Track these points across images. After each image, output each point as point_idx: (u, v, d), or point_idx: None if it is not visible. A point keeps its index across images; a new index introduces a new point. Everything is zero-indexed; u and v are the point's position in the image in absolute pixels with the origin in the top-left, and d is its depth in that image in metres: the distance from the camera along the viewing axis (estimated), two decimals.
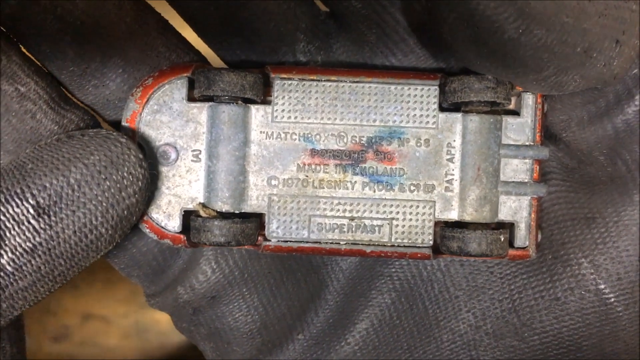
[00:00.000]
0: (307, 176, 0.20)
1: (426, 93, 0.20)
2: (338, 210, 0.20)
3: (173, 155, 0.20)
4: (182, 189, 0.20)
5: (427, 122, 0.20)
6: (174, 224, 0.20)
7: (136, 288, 0.52)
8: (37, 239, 0.17)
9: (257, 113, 0.20)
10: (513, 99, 0.20)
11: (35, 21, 0.19)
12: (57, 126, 0.20)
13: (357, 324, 0.23)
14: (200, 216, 0.20)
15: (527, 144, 0.20)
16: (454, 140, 0.20)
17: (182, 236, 0.20)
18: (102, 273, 0.50)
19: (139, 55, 0.20)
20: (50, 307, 0.48)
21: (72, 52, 0.19)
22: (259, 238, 0.20)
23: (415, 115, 0.20)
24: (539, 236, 0.21)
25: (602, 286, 0.21)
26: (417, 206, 0.20)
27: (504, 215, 0.20)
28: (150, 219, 0.20)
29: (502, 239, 0.20)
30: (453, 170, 0.20)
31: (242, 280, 0.22)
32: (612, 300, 0.21)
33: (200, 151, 0.20)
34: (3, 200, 0.17)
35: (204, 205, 0.20)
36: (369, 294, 0.22)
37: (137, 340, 0.54)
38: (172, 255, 0.22)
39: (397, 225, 0.20)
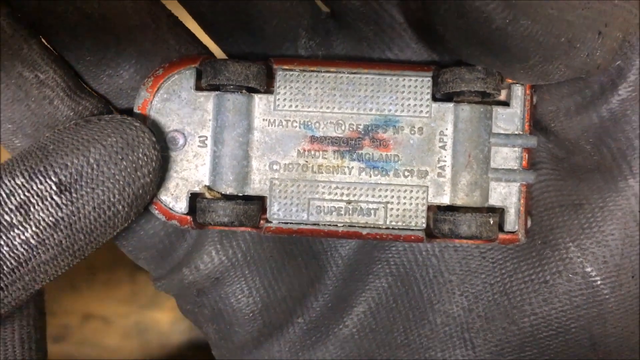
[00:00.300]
0: (306, 161, 0.22)
1: (420, 84, 0.21)
2: (336, 194, 0.22)
3: (181, 141, 0.22)
4: (189, 173, 0.22)
5: (421, 111, 0.22)
6: (181, 206, 0.22)
7: (136, 288, 0.54)
8: (60, 214, 0.19)
9: (260, 102, 0.22)
10: (504, 91, 0.22)
11: (57, 13, 0.21)
12: (72, 112, 0.21)
13: (355, 307, 0.24)
14: (206, 198, 0.21)
15: (516, 133, 0.22)
16: (446, 129, 0.22)
17: (188, 217, 0.22)
18: (102, 273, 0.51)
19: (152, 48, 0.22)
20: (50, 307, 0.49)
21: (89, 42, 0.21)
22: (261, 221, 0.22)
23: (409, 104, 0.22)
24: (529, 222, 0.22)
25: (589, 269, 0.22)
26: (411, 191, 0.22)
27: (494, 200, 0.22)
28: (159, 200, 0.22)
29: (492, 222, 0.21)
30: (445, 157, 0.22)
31: (245, 263, 0.24)
32: (599, 282, 0.22)
33: (207, 137, 0.22)
34: (27, 177, 0.19)
35: (209, 188, 0.22)
36: (366, 278, 0.24)
37: (137, 340, 0.55)
38: (178, 239, 0.24)
39: (391, 209, 0.22)
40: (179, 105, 0.22)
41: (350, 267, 0.24)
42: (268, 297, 0.24)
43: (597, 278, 0.22)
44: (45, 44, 0.22)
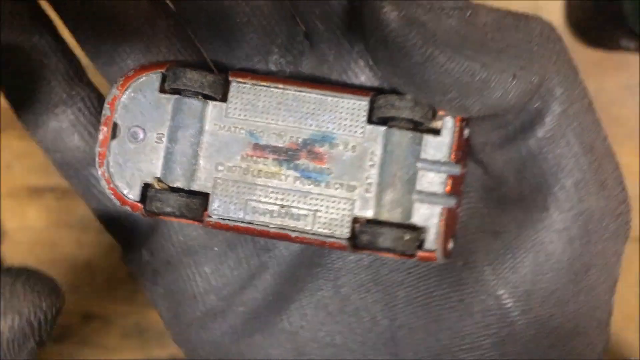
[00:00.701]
0: (248, 166, 0.25)
1: (357, 106, 0.24)
2: (271, 197, 0.24)
3: (141, 136, 0.25)
4: (144, 165, 0.25)
5: (356, 131, 0.24)
6: (134, 194, 0.25)
7: (136, 288, 0.57)
8: None
9: (213, 108, 0.25)
10: (440, 122, 0.24)
11: (66, 6, 0.26)
12: (66, 95, 0.26)
13: (291, 304, 0.27)
14: (155, 188, 0.25)
15: (443, 160, 0.24)
16: (377, 150, 0.24)
17: (139, 205, 0.25)
18: (102, 273, 0.54)
19: (144, 50, 0.26)
20: None
21: (91, 37, 0.26)
22: (204, 216, 0.25)
23: (346, 124, 0.24)
24: (451, 244, 0.25)
25: (501, 292, 0.24)
26: (339, 202, 0.24)
27: (416, 219, 0.24)
28: (116, 187, 0.25)
29: (406, 238, 0.23)
30: (373, 175, 0.24)
31: (191, 252, 0.27)
32: (509, 305, 0.24)
33: (164, 134, 0.25)
34: None
35: (159, 180, 0.25)
36: (304, 279, 0.27)
37: (137, 340, 0.57)
38: (141, 221, 0.28)
39: (320, 217, 0.24)
40: (143, 104, 0.25)
41: (291, 268, 0.27)
42: (210, 285, 0.28)
43: (508, 301, 0.24)
44: (56, 35, 0.27)
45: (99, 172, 0.25)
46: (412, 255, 0.24)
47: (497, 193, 0.25)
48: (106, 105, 0.25)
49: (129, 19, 0.26)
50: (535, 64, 0.22)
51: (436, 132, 0.25)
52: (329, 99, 0.25)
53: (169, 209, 0.24)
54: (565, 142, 0.23)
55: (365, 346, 0.26)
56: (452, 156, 0.24)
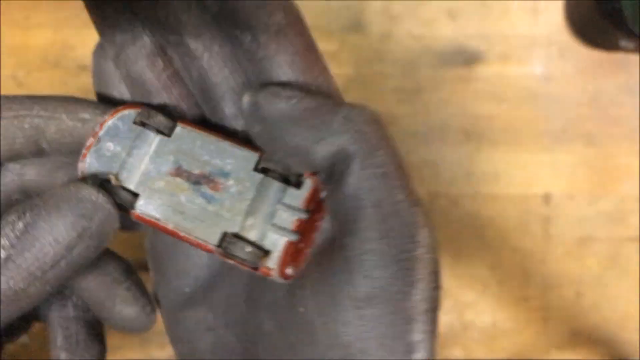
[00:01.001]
0: (169, 181, 0.36)
1: (250, 157, 0.35)
2: (177, 206, 0.35)
3: (112, 148, 0.37)
4: (107, 167, 0.37)
5: (244, 174, 0.35)
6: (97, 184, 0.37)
7: None
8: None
9: (160, 140, 0.37)
10: (303, 180, 0.35)
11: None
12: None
13: (212, 293, 0.37)
14: (110, 182, 0.37)
15: (297, 207, 0.34)
16: (252, 189, 0.35)
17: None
18: None
19: (157, 106, 0.38)
20: None
21: (129, 90, 0.38)
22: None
23: (239, 168, 0.35)
24: (290, 270, 0.34)
25: (310, 304, 0.33)
26: (219, 219, 0.35)
27: (266, 243, 0.34)
28: (85, 177, 0.37)
29: (248, 250, 0.33)
30: (245, 205, 0.35)
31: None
32: (304, 311, 0.32)
33: (125, 150, 0.37)
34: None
35: (115, 177, 0.37)
36: (224, 277, 0.37)
37: (137, 340, 0.64)
38: None
39: (203, 226, 0.35)
40: (120, 129, 0.37)
41: (221, 266, 0.37)
42: (175, 263, 0.38)
43: (308, 311, 0.33)
44: None
45: (79, 165, 0.37)
46: (255, 268, 0.34)
47: (335, 237, 0.35)
48: (97, 125, 0.38)
49: (151, 85, 0.37)
50: (333, 137, 0.32)
51: (299, 186, 0.35)
52: (235, 149, 0.36)
53: (116, 199, 0.36)
54: (357, 198, 0.32)
55: (246, 339, 0.36)
56: (304, 205, 0.34)
